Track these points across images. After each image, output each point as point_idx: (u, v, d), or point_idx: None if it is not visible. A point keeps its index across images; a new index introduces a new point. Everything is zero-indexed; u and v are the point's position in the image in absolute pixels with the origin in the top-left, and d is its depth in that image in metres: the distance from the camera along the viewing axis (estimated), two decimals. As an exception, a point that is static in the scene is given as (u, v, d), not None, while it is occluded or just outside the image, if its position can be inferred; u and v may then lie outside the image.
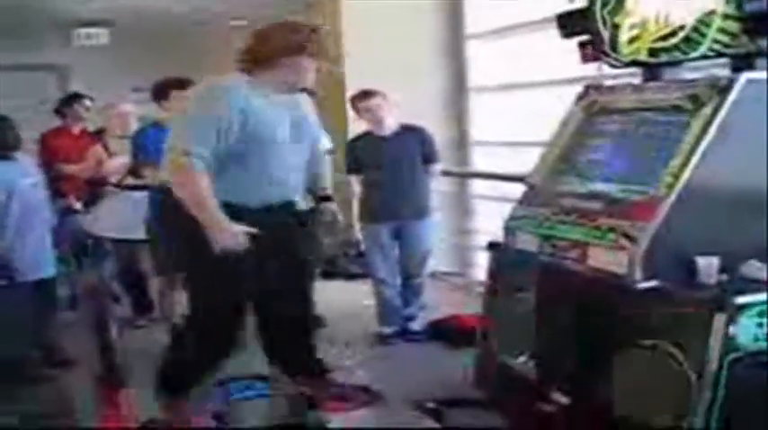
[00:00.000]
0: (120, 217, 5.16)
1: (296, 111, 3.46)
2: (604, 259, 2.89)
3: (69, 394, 3.99)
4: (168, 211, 3.38)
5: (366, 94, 4.95)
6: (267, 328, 3.53)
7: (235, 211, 3.24)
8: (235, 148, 3.23)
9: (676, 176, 2.80)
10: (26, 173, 4.46)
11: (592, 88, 3.57)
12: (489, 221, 5.68)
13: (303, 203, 3.63)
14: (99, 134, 6.05)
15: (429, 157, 5.00)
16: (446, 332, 4.86)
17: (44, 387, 4.12)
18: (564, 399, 3.17)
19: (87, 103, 6.26)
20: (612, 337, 2.93)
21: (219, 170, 3.23)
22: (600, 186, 3.18)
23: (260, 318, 3.51)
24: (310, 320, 3.87)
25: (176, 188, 3.25)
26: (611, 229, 2.91)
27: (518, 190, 3.65)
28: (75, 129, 6.21)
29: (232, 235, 3.21)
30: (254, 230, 3.22)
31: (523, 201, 3.49)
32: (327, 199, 3.81)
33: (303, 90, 3.54)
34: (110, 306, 5.27)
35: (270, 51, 3.32)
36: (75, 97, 6.37)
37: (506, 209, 3.59)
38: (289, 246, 3.49)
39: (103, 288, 5.25)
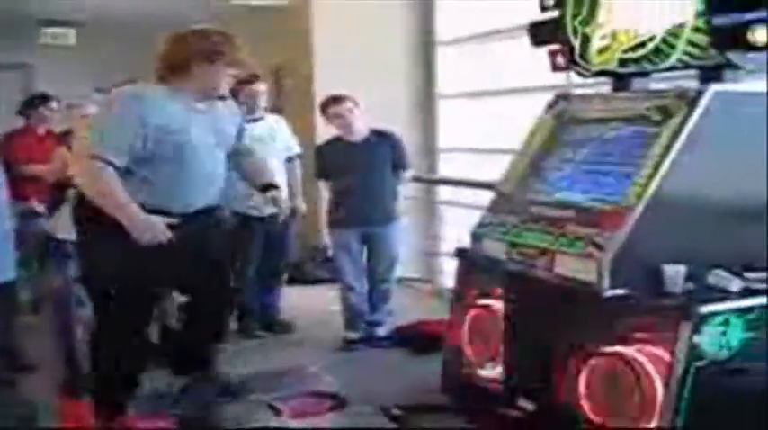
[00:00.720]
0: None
1: (215, 118, 3.49)
2: (572, 267, 2.91)
3: (30, 400, 3.92)
4: (75, 210, 3.46)
5: (336, 100, 4.92)
6: None
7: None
8: (148, 154, 3.26)
9: (644, 186, 2.83)
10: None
11: (561, 97, 3.60)
12: (456, 228, 5.69)
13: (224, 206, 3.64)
14: (65, 136, 5.96)
15: (399, 163, 4.99)
16: (412, 338, 4.86)
17: (5, 392, 4.04)
18: (530, 406, 3.19)
19: (53, 105, 6.16)
20: (579, 344, 2.95)
21: (134, 174, 3.26)
22: (568, 195, 3.20)
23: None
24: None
25: (85, 188, 3.32)
26: (580, 238, 2.93)
27: (486, 197, 3.66)
28: (41, 131, 6.12)
29: (151, 226, 3.25)
30: (173, 221, 3.27)
31: (492, 208, 3.50)
32: (270, 187, 3.81)
33: (221, 98, 3.56)
34: (74, 309, 5.19)
35: (183, 58, 3.35)
36: (41, 98, 6.27)
37: (474, 216, 3.60)
38: (198, 250, 3.49)
39: (67, 291, 5.16)
